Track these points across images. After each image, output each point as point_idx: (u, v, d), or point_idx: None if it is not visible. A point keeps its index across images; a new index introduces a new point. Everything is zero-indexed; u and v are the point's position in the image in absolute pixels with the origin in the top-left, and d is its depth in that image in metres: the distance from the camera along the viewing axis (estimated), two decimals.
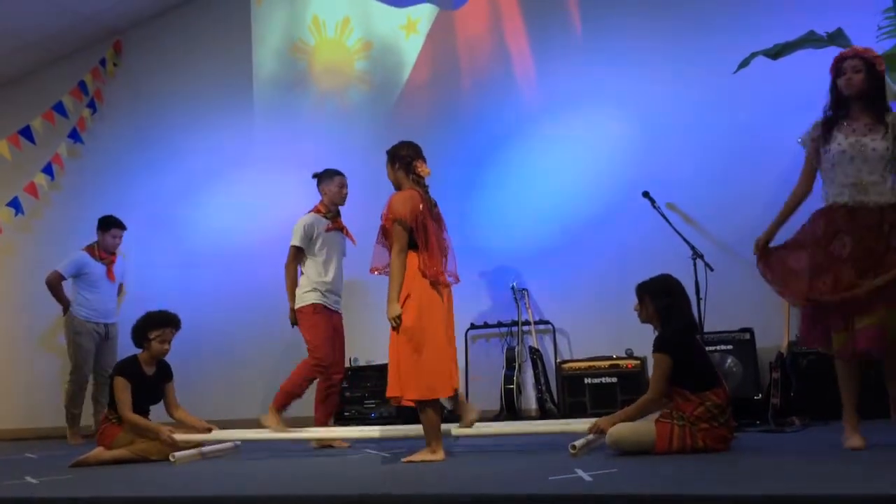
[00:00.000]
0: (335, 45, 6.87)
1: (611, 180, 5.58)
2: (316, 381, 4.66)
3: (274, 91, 7.02)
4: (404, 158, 3.77)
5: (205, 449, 4.37)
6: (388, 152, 3.85)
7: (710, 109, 5.37)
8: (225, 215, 6.90)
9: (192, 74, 7.35)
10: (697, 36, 5.48)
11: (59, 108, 7.49)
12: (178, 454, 4.17)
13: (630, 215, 5.40)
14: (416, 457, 3.53)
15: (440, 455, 3.51)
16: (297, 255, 4.72)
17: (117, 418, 4.41)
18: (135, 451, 4.26)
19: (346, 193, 4.87)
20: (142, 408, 4.47)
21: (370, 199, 6.28)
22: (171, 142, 7.32)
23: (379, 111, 6.54)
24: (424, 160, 3.80)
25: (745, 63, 4.59)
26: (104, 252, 6.17)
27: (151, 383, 4.56)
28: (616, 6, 5.80)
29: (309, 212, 4.82)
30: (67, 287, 6.09)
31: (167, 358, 4.65)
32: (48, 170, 7.52)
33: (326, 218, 4.79)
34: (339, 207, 4.89)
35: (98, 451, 4.30)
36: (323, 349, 4.55)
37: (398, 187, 3.80)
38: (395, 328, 3.52)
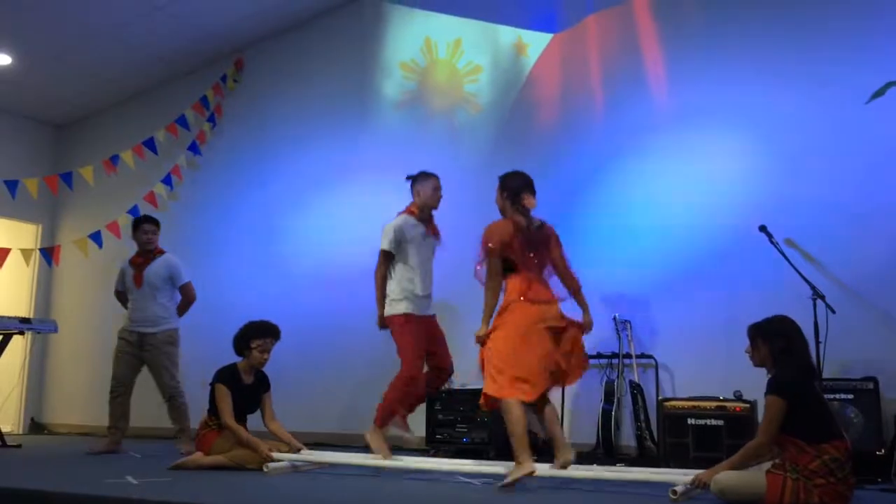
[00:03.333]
0: (446, 66, 6.90)
1: (725, 211, 5.31)
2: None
3: (383, 110, 7.11)
4: (513, 189, 3.99)
5: (298, 462, 4.41)
6: (500, 180, 4.09)
7: (840, 139, 5.01)
8: (329, 230, 7.02)
9: (306, 92, 7.55)
10: (834, 57, 5.12)
11: (182, 121, 7.85)
12: (272, 465, 4.22)
13: (744, 250, 5.12)
14: (510, 477, 3.54)
15: (529, 467, 3.55)
16: (387, 259, 4.58)
17: (217, 425, 4.50)
18: (232, 459, 4.33)
19: (441, 196, 4.73)
20: (239, 416, 4.55)
21: (474, 219, 6.27)
22: (282, 156, 7.53)
23: (486, 134, 6.51)
24: (533, 192, 4.01)
25: (879, 93, 4.26)
26: (137, 255, 5.78)
27: (249, 392, 4.64)
28: (742, 16, 5.50)
29: (400, 213, 4.69)
30: None
31: (266, 370, 4.73)
32: (167, 180, 7.86)
33: (420, 220, 4.65)
34: (433, 211, 4.76)
35: (197, 456, 4.40)
36: (414, 361, 4.43)
37: (503, 213, 4.05)
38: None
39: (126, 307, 5.80)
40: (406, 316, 4.47)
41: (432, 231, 4.72)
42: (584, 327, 3.97)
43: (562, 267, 4.04)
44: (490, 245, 3.87)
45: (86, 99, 8.74)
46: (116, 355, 5.64)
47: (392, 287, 4.55)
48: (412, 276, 4.53)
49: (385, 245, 4.55)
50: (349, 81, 7.29)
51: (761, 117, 5.31)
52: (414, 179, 4.73)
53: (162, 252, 5.81)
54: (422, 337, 4.51)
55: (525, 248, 3.91)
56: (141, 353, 5.59)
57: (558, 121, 6.20)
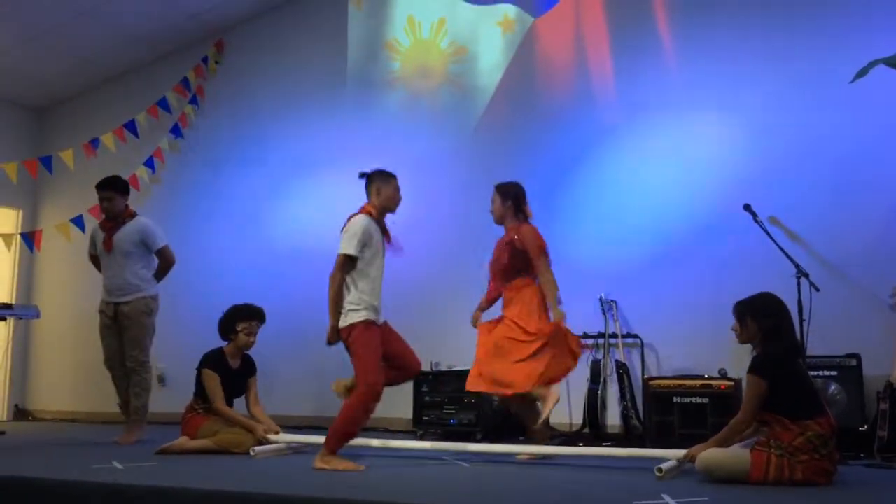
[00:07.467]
0: (429, 46, 6.85)
1: (709, 190, 5.33)
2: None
3: (366, 90, 7.05)
4: (516, 198, 4.29)
5: (296, 444, 4.47)
6: (500, 189, 4.33)
7: (823, 118, 5.03)
8: (312, 212, 6.98)
9: (288, 73, 7.48)
10: (812, 36, 5.15)
11: (164, 104, 7.76)
12: (257, 448, 4.22)
13: (729, 228, 5.14)
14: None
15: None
16: (347, 265, 3.94)
17: (203, 409, 4.49)
18: (217, 443, 4.33)
19: (401, 199, 4.19)
20: (226, 401, 4.53)
21: (457, 200, 6.27)
22: (264, 138, 7.47)
23: (469, 114, 6.48)
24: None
25: (863, 72, 4.26)
26: (107, 220, 5.29)
27: (236, 376, 4.63)
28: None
29: (360, 213, 4.06)
30: None
31: (252, 353, 4.72)
32: (149, 163, 7.79)
33: (377, 223, 4.07)
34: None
35: (182, 441, 4.39)
36: (376, 373, 3.84)
37: (500, 221, 4.34)
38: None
39: (100, 271, 5.42)
40: (366, 323, 3.89)
41: (387, 235, 4.16)
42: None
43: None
44: (543, 245, 4.28)
45: (65, 81, 8.62)
46: (101, 332, 5.28)
47: (350, 297, 3.94)
48: (371, 285, 3.96)
49: (351, 249, 3.92)
50: (331, 62, 7.22)
51: (746, 96, 5.32)
52: (370, 177, 4.14)
53: (133, 215, 5.32)
54: (380, 346, 3.97)
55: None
56: (117, 323, 5.21)
57: (544, 100, 6.18)
